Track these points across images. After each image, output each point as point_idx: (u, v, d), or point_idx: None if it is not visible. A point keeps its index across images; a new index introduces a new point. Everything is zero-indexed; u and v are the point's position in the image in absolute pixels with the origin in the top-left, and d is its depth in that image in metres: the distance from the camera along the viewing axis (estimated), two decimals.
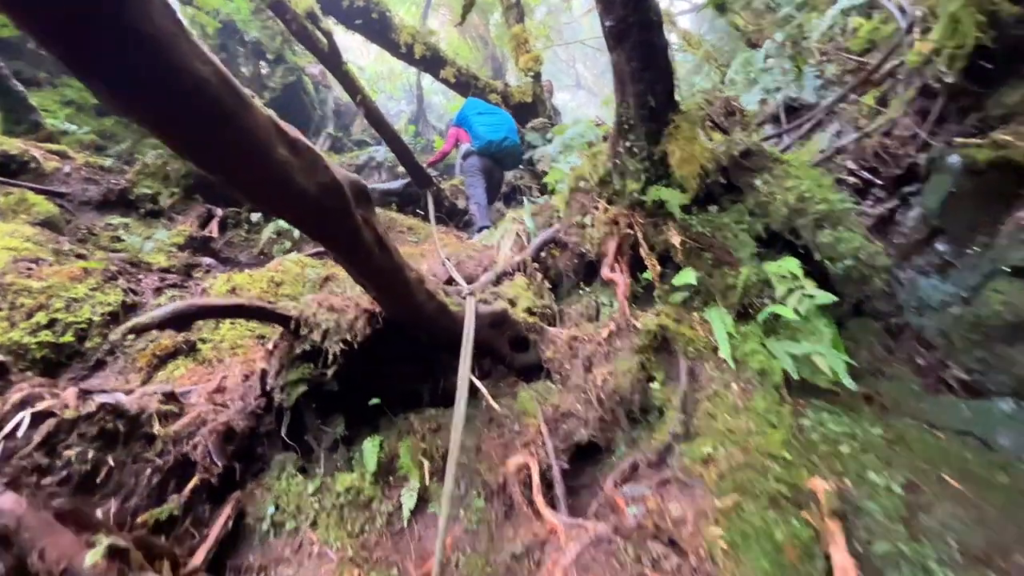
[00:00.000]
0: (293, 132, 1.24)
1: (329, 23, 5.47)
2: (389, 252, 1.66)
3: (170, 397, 1.59)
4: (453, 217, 7.09)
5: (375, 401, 2.00)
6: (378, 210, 6.03)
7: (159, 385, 1.60)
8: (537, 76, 8.00)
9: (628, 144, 2.81)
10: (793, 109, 6.48)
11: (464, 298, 2.38)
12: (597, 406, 2.18)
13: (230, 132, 1.03)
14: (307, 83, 10.51)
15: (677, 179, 2.65)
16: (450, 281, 3.61)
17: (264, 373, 1.86)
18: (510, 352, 2.53)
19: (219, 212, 4.69)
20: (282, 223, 4.98)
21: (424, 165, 6.92)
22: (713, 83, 8.61)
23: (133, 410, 1.46)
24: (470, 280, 3.76)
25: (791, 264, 2.54)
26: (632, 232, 2.83)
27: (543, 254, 3.71)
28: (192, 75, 0.92)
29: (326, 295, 1.96)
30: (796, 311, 2.28)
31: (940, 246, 3.12)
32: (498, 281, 3.48)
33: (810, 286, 2.35)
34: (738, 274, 2.60)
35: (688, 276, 2.51)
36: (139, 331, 1.47)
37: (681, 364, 2.24)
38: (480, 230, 6.26)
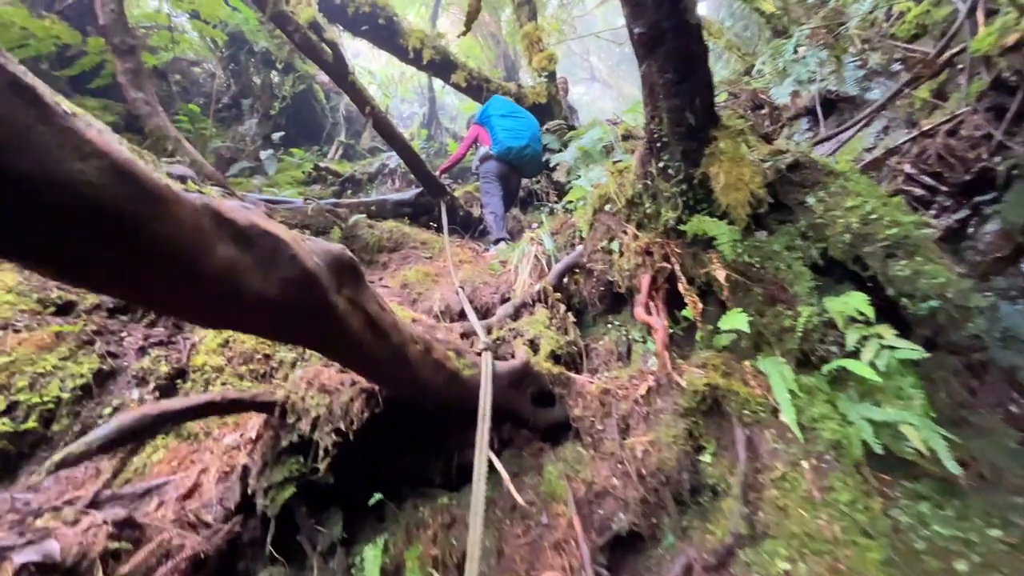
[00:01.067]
0: (245, 218, 0.92)
1: (334, 32, 5.18)
2: (385, 334, 1.35)
3: (125, 523, 1.31)
4: (468, 227, 6.77)
5: (377, 497, 1.70)
6: (390, 224, 5.71)
7: (111, 510, 1.33)
8: (551, 76, 7.60)
9: (662, 165, 2.45)
10: (830, 103, 5.97)
11: (480, 353, 2.06)
12: (638, 483, 1.84)
13: (141, 244, 0.72)
14: (318, 91, 10.29)
15: (721, 206, 2.27)
16: (463, 313, 3.31)
17: (245, 471, 1.58)
18: (532, 411, 2.21)
19: None
20: None
21: (436, 172, 6.61)
22: (735, 73, 8.08)
23: (70, 560, 1.19)
24: (486, 312, 3.45)
25: (858, 301, 2.15)
26: (668, 264, 2.47)
27: (565, 280, 3.37)
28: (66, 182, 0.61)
29: (317, 370, 1.67)
30: (872, 365, 1.90)
31: None
32: (517, 314, 3.15)
33: (888, 334, 1.96)
34: (796, 314, 2.22)
35: (737, 320, 2.14)
36: (72, 463, 1.20)
37: (737, 433, 1.88)
38: (497, 242, 5.94)
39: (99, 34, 4.44)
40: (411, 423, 1.84)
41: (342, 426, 1.53)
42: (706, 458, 1.89)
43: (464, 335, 2.88)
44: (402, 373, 1.48)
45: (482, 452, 1.52)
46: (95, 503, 1.38)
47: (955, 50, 3.72)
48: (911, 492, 1.69)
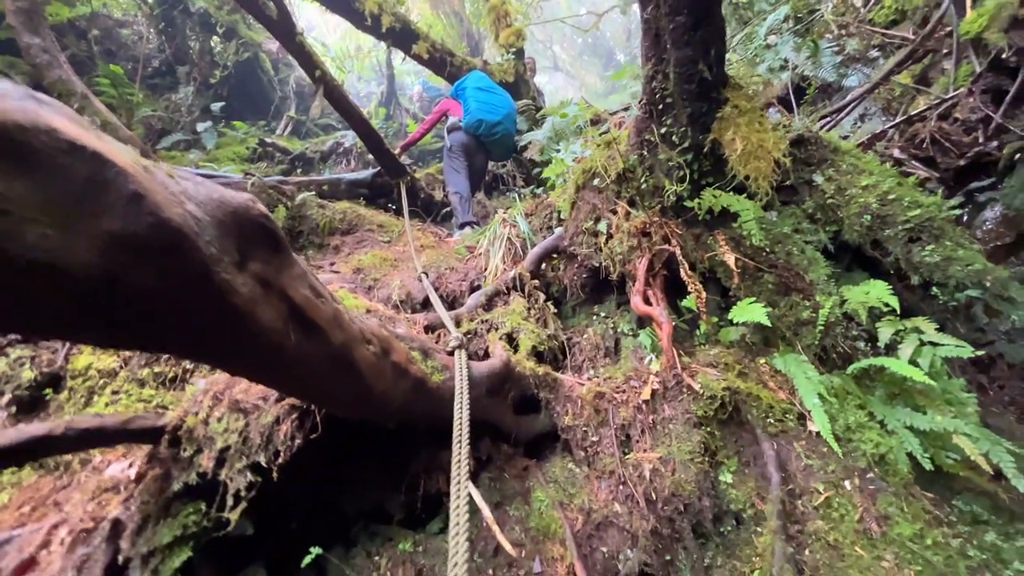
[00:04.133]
0: (26, 117, 0.46)
1: None
2: (320, 331, 0.90)
3: None
4: (430, 210, 6.26)
5: (316, 552, 1.24)
6: (343, 205, 5.13)
7: None
8: (519, 53, 7.13)
9: (664, 131, 2.07)
10: (802, 90, 5.83)
11: (451, 352, 1.63)
12: (647, 511, 1.48)
13: None
14: (264, 60, 9.38)
15: (736, 177, 1.92)
16: (427, 303, 2.85)
17: (116, 529, 1.08)
18: (514, 419, 1.81)
19: None
20: None
21: (396, 151, 6.04)
22: None
23: None
24: (452, 302, 3.00)
25: (880, 290, 1.86)
26: (668, 247, 2.11)
27: (543, 265, 2.97)
28: None
29: (229, 379, 1.20)
30: (914, 363, 1.61)
31: None
32: (490, 303, 2.73)
33: (928, 328, 1.68)
34: (815, 305, 1.91)
35: (753, 312, 1.80)
36: None
37: (765, 448, 1.55)
38: (462, 226, 5.47)
39: None
40: (362, 444, 1.40)
41: (262, 460, 1.07)
42: (726, 476, 1.55)
43: (429, 328, 2.43)
44: (347, 386, 1.03)
45: (461, 489, 1.10)
46: None
47: (941, 33, 3.57)
48: (968, 516, 1.42)
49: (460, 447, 1.20)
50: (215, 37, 8.88)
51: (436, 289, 2.99)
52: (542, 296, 2.68)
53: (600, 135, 2.91)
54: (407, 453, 1.51)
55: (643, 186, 2.29)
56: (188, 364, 1.89)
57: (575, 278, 2.80)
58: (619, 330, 2.50)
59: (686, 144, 2.03)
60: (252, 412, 1.13)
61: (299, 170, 8.00)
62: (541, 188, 6.10)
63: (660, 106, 2.06)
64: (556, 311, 2.81)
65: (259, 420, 1.12)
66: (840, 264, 2.29)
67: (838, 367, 1.87)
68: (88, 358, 1.71)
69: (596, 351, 2.50)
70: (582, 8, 20.67)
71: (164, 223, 0.57)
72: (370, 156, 6.50)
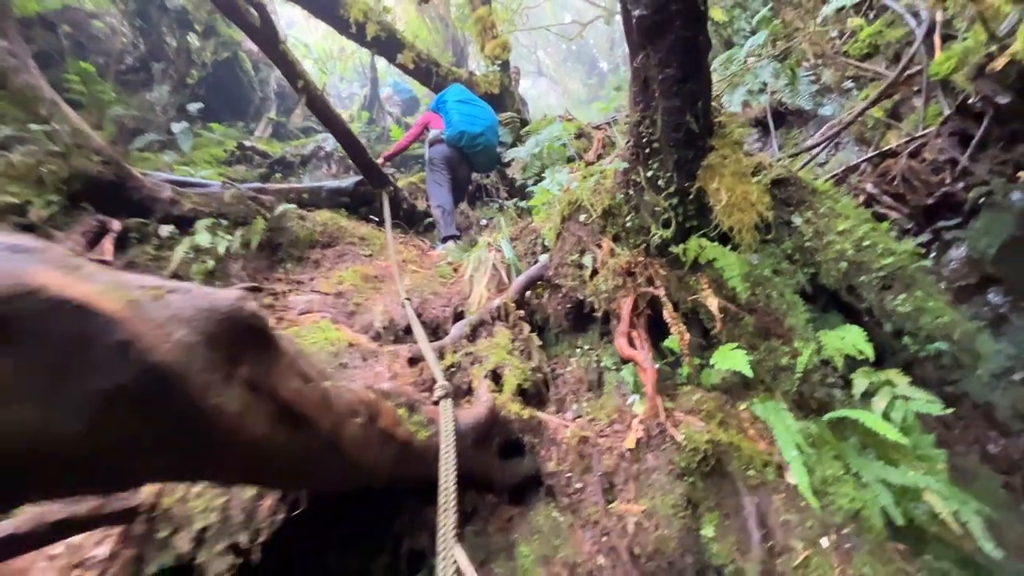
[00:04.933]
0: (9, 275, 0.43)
1: None
2: (309, 422, 0.87)
3: None
4: (413, 221, 6.19)
5: None
6: (324, 216, 5.03)
7: None
8: (505, 64, 7.13)
9: (650, 174, 2.09)
10: (779, 115, 5.97)
11: (437, 402, 1.61)
12: (630, 566, 1.49)
13: None
14: (244, 61, 9.13)
15: (720, 226, 1.95)
16: (410, 330, 2.81)
17: None
18: (499, 467, 1.80)
19: (116, 226, 3.62)
20: (200, 234, 3.98)
21: (379, 160, 5.98)
22: None
23: None
24: (436, 329, 2.97)
25: (856, 337, 1.92)
26: (652, 290, 2.13)
27: (527, 293, 2.97)
28: None
29: None
30: (886, 416, 1.66)
31: (995, 297, 2.62)
32: (474, 333, 2.71)
33: (901, 382, 1.74)
34: (793, 352, 1.96)
35: (735, 359, 1.83)
36: None
37: (746, 503, 1.58)
38: (445, 240, 5.45)
39: None
40: (349, 506, 1.37)
41: (243, 540, 1.03)
42: (708, 531, 1.57)
43: (412, 361, 2.40)
44: (334, 468, 1.01)
45: (448, 563, 1.08)
46: None
47: (913, 71, 3.70)
48: (938, 572, 1.47)
49: (446, 514, 1.18)
50: (192, 35, 8.62)
51: (419, 315, 2.96)
52: (527, 327, 2.68)
53: (585, 165, 2.93)
54: (390, 511, 1.48)
55: (628, 224, 2.31)
56: None
57: (559, 308, 2.81)
58: (602, 364, 2.51)
59: (671, 189, 2.05)
60: (232, 488, 1.09)
61: (278, 174, 7.83)
62: (525, 201, 6.12)
63: (647, 150, 2.08)
64: (540, 339, 2.81)
65: (239, 496, 1.08)
66: (817, 305, 2.35)
67: (815, 412, 1.91)
68: None
69: (580, 384, 2.51)
70: (567, 15, 20.80)
71: (153, 369, 0.54)
72: (351, 161, 6.41)
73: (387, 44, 6.16)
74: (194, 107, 7.69)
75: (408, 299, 2.90)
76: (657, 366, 2.00)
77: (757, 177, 2.29)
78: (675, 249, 2.08)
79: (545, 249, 3.16)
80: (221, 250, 4.09)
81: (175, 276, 3.87)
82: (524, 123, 6.59)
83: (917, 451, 1.64)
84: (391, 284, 3.40)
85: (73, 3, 7.00)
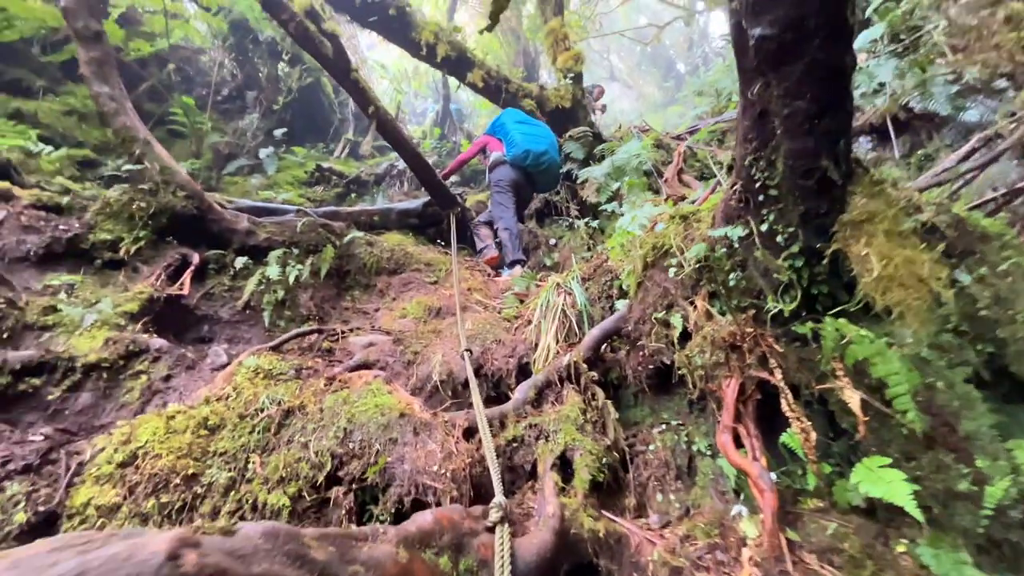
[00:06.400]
0: None
1: (334, 24, 4.39)
2: None
3: None
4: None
5: None
6: (392, 241, 4.91)
7: None
8: (578, 77, 6.73)
9: (765, 227, 1.64)
10: (901, 122, 5.05)
11: (492, 528, 1.29)
12: None
13: None
14: (326, 85, 9.51)
15: (872, 304, 1.46)
16: (467, 384, 2.53)
17: None
18: None
19: (195, 258, 3.71)
20: (271, 266, 3.99)
21: (439, 175, 5.87)
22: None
23: None
24: (498, 382, 2.66)
25: None
26: (764, 373, 1.67)
27: (603, 348, 2.58)
28: None
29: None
30: None
31: None
32: (539, 396, 2.37)
33: None
34: (975, 473, 1.42)
35: (891, 488, 1.33)
36: None
37: None
38: (512, 264, 5.18)
39: (64, 17, 3.70)
40: None
41: None
42: None
43: (469, 433, 2.11)
44: None
45: None
46: None
47: None
48: None
49: None
50: (282, 63, 9.08)
51: (480, 367, 2.67)
52: (601, 394, 2.29)
53: (673, 202, 2.49)
54: None
55: (732, 283, 1.85)
56: (197, 490, 1.66)
57: (639, 368, 2.39)
58: (694, 446, 2.07)
59: (795, 249, 1.58)
60: None
61: (353, 193, 8.00)
62: (596, 220, 5.69)
63: (761, 197, 1.63)
64: (615, 399, 2.41)
65: None
66: (996, 392, 1.76)
67: (1010, 564, 1.36)
68: (90, 490, 1.52)
69: (665, 469, 2.08)
70: (641, 18, 19.91)
71: None
72: (419, 181, 6.34)
73: (457, 63, 6.02)
74: (279, 132, 8.05)
75: (468, 351, 2.62)
76: (775, 477, 1.54)
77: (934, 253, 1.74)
78: (800, 328, 1.61)
79: (622, 294, 2.75)
80: (291, 279, 4.09)
81: (247, 306, 3.91)
82: (598, 138, 6.16)
83: None
84: (453, 323, 3.16)
85: (179, 41, 7.57)
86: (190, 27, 7.24)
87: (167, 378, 2.64)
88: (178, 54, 8.67)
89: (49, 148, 4.66)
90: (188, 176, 3.92)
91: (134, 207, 3.57)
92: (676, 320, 2.11)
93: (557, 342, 2.63)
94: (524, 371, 2.69)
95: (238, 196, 6.86)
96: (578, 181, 5.13)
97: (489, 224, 5.52)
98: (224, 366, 3.34)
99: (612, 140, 5.76)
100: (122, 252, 3.43)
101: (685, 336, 2.11)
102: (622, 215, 4.89)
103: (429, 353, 2.76)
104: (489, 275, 5.26)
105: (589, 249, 5.32)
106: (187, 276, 3.53)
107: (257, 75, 9.00)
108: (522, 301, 4.16)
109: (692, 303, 2.06)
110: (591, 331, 2.52)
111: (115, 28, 6.36)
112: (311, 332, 3.05)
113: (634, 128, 7.35)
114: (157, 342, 2.80)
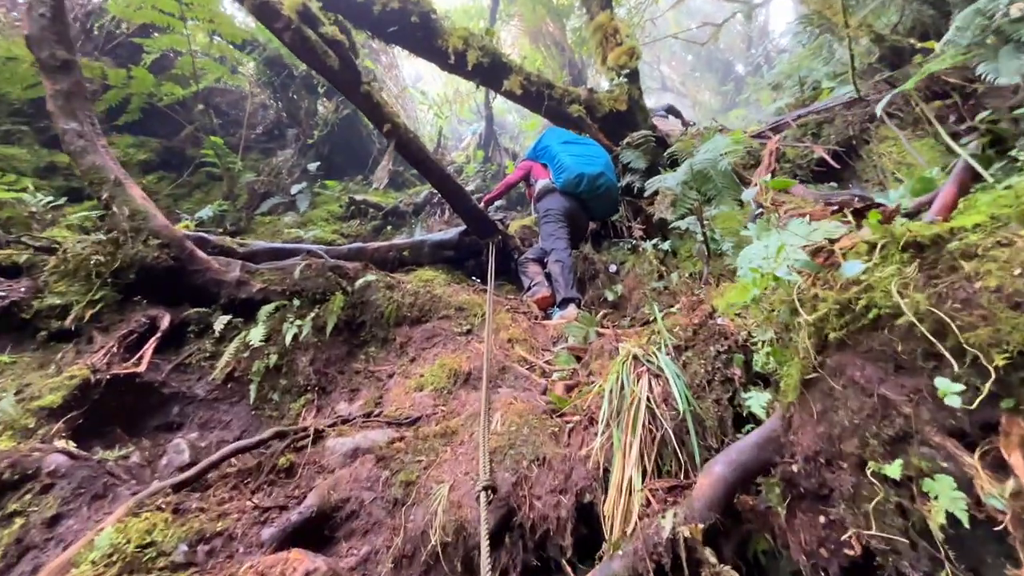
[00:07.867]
0: None
1: (335, 29, 3.58)
2: None
3: None
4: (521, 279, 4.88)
5: None
6: (417, 283, 3.82)
7: None
8: (633, 75, 5.59)
9: None
10: None
11: None
12: None
13: None
14: (362, 116, 9.00)
15: None
16: (490, 541, 1.42)
17: None
18: None
19: (164, 321, 2.91)
20: (257, 328, 3.13)
21: (480, 203, 4.92)
22: (865, 57, 5.54)
23: None
24: (543, 541, 1.53)
25: None
26: None
27: (736, 498, 1.39)
28: None
29: None
30: None
31: None
32: None
33: None
34: None
35: None
36: None
37: None
38: (564, 304, 4.07)
39: (27, 47, 3.16)
40: None
41: None
42: None
43: None
44: None
45: None
46: None
47: None
48: None
49: None
50: (322, 97, 8.68)
51: (513, 512, 1.55)
52: None
53: (855, 215, 1.28)
54: None
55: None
56: None
57: (820, 549, 1.17)
58: None
59: None
60: None
61: (390, 227, 7.23)
62: (667, 241, 4.45)
63: None
64: None
65: None
66: None
67: None
68: None
69: None
70: (692, 22, 18.39)
71: None
72: (453, 209, 5.39)
73: (491, 70, 5.08)
74: (313, 166, 7.51)
75: (489, 488, 1.50)
76: None
77: None
78: None
79: (755, 378, 1.54)
80: (288, 339, 3.20)
81: (231, 378, 3.05)
82: (662, 143, 4.97)
83: None
84: (476, 414, 2.07)
85: (212, 82, 7.24)
86: (223, 68, 6.87)
87: (53, 520, 1.74)
88: (218, 96, 8.46)
89: (49, 198, 4.12)
90: (165, 221, 3.17)
91: (92, 262, 2.84)
92: (894, 470, 0.90)
93: (644, 474, 1.46)
94: (586, 518, 1.53)
95: (268, 236, 6.26)
96: (645, 195, 3.93)
97: (539, 261, 4.46)
98: (187, 467, 2.46)
99: (683, 140, 4.54)
100: (69, 321, 2.68)
101: (953, 520, 0.89)
102: (720, 239, 3.59)
103: (430, 481, 1.68)
104: (536, 318, 4.13)
105: (661, 277, 4.10)
106: (148, 347, 2.72)
107: (297, 111, 8.63)
108: (579, 359, 3.03)
109: (974, 445, 0.84)
110: (711, 465, 1.33)
111: (144, 74, 6.05)
112: (268, 439, 2.05)
113: (703, 129, 6.07)
114: (55, 460, 1.92)
